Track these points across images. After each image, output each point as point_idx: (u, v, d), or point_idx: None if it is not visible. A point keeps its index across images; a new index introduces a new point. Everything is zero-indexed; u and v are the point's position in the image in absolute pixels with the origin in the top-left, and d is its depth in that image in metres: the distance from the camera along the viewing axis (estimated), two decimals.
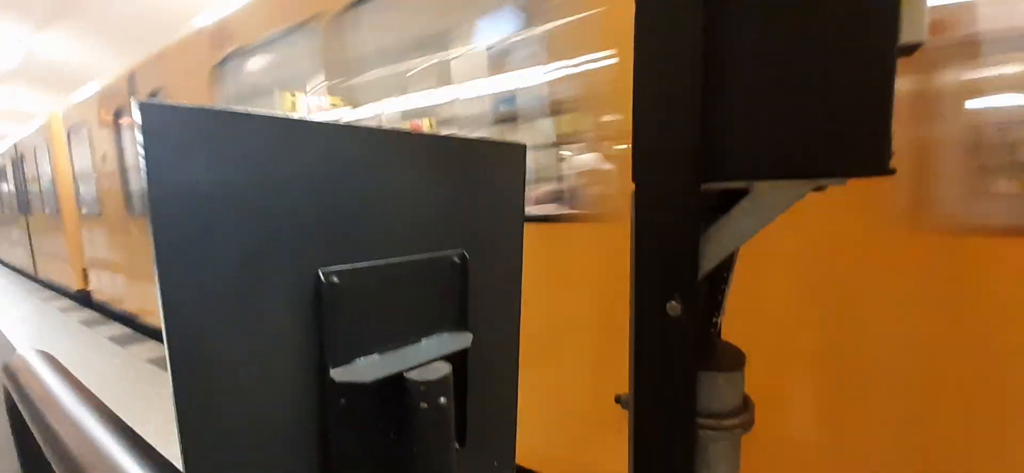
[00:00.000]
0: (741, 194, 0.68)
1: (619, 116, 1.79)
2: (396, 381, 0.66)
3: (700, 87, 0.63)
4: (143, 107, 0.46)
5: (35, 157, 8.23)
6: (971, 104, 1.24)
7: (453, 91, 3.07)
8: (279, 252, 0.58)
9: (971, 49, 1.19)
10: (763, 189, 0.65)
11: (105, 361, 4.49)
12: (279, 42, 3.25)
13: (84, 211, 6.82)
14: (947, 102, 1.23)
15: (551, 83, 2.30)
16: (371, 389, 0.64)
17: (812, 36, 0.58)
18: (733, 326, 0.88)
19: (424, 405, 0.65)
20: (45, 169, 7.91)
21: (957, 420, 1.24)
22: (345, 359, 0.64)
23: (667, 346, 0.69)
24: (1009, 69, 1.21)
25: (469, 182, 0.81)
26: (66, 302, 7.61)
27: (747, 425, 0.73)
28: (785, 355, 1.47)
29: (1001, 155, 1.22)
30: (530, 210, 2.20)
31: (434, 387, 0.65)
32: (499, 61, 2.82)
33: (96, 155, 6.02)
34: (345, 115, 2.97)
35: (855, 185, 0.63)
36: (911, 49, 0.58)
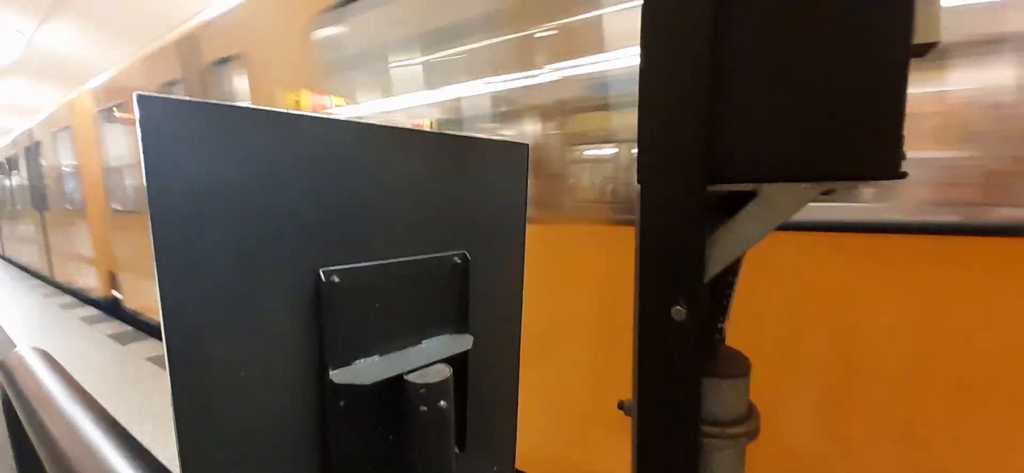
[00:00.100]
0: (748, 197, 0.67)
1: None
2: (396, 383, 0.65)
3: (707, 87, 0.62)
4: (141, 100, 0.46)
5: (54, 144, 7.14)
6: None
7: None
8: (279, 250, 0.57)
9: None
10: (771, 192, 0.64)
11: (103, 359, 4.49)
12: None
13: (118, 208, 5.67)
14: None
15: None
16: (371, 391, 0.63)
17: (822, 36, 0.57)
18: (735, 331, 0.87)
19: (424, 408, 0.64)
20: (65, 158, 6.81)
21: None
22: (345, 360, 0.63)
23: (671, 351, 0.67)
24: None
25: (471, 181, 0.80)
26: (89, 310, 6.53)
27: (752, 434, 0.72)
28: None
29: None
30: None
31: (434, 390, 0.64)
32: None
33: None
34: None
35: None
36: (925, 49, 0.57)
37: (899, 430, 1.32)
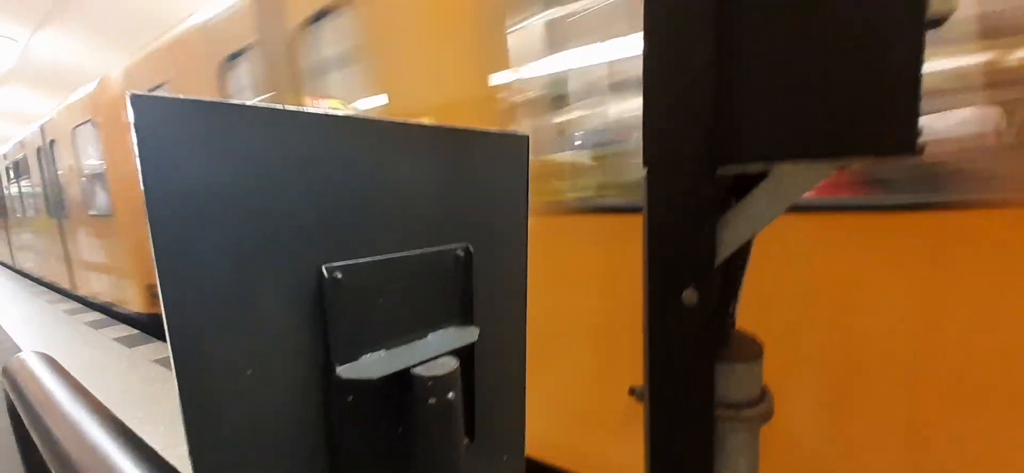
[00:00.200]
0: (758, 178, 0.65)
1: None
2: (403, 377, 0.64)
3: (714, 64, 0.60)
4: (135, 100, 0.45)
5: (73, 143, 6.13)
6: None
7: None
8: (281, 248, 0.56)
9: None
10: (783, 171, 0.62)
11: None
12: None
13: None
14: None
15: None
16: (378, 385, 0.63)
17: (834, 7, 0.55)
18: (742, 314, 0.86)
19: (432, 401, 0.63)
20: (87, 158, 5.93)
21: None
22: (351, 356, 0.63)
23: (683, 336, 0.66)
24: None
25: (472, 174, 0.80)
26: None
27: (766, 416, 0.71)
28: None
29: None
30: None
31: (442, 382, 0.64)
32: None
33: None
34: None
35: None
36: (940, 21, 0.54)
37: (904, 415, 1.31)
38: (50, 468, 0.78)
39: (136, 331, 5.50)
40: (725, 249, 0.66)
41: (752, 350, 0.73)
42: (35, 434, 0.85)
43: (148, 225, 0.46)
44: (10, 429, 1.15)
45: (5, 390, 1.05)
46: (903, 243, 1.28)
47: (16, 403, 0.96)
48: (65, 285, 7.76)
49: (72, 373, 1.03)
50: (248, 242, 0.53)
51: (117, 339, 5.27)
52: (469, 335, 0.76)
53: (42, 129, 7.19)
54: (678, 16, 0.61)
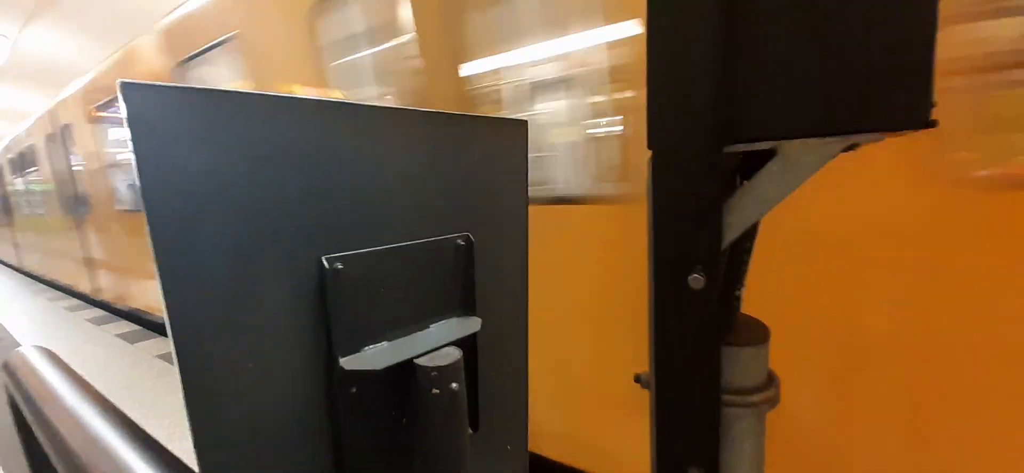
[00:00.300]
0: (766, 157, 0.64)
1: None
2: (406, 368, 0.64)
3: (720, 40, 0.58)
4: (125, 89, 0.43)
5: (92, 128, 5.30)
6: None
7: None
8: (280, 240, 0.56)
9: None
10: (792, 149, 0.61)
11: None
12: None
13: None
14: None
15: None
16: (381, 376, 0.62)
17: None
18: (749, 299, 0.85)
19: (436, 391, 0.63)
20: (111, 146, 5.11)
21: None
22: (353, 347, 0.62)
23: (689, 321, 0.65)
24: None
25: (471, 161, 0.78)
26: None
27: (773, 401, 0.71)
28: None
29: None
30: None
31: (446, 372, 0.63)
32: None
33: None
34: None
35: None
36: None
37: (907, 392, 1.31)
38: (54, 462, 0.77)
39: (138, 327, 5.50)
40: (732, 232, 0.65)
41: (759, 334, 0.73)
42: (37, 429, 0.85)
43: (146, 218, 0.45)
44: (12, 426, 1.14)
45: (6, 385, 1.05)
46: None
47: (17, 398, 0.96)
48: (86, 291, 6.76)
49: (76, 370, 1.03)
50: (248, 234, 0.52)
51: (119, 335, 5.29)
52: (471, 325, 0.75)
53: (52, 113, 6.18)
54: None
